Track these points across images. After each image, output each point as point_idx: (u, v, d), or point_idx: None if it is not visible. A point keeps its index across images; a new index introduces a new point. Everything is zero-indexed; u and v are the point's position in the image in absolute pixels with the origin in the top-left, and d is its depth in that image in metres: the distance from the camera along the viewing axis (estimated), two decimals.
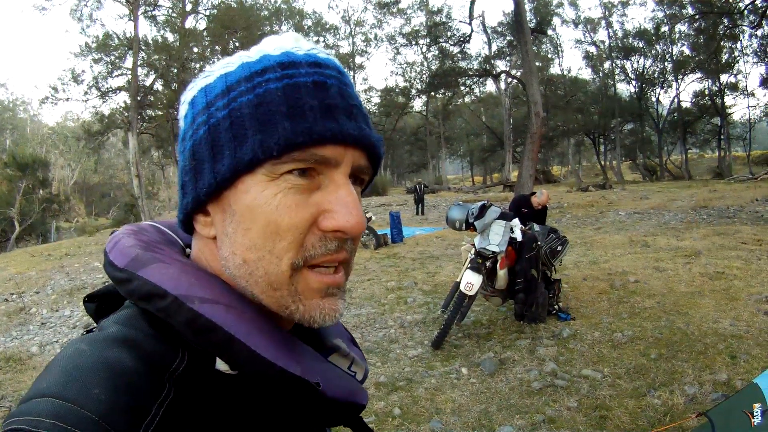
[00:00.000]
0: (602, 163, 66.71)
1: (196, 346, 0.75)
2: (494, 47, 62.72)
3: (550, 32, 60.13)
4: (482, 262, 7.82)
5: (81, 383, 0.65)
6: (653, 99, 63.04)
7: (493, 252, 7.91)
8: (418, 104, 76.56)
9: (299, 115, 0.76)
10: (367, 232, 18.19)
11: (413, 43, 62.77)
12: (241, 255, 0.78)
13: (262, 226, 0.76)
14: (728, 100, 57.07)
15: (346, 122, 0.79)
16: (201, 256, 0.87)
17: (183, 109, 0.87)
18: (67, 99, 42.47)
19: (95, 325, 0.85)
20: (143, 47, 39.60)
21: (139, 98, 37.90)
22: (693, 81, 61.56)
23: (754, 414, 3.35)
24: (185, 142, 0.83)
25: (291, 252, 0.77)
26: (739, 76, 56.61)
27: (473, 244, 8.19)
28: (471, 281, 7.52)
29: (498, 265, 7.99)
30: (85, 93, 41.24)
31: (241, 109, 0.77)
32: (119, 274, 0.79)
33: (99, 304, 0.90)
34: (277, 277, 0.77)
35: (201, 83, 0.84)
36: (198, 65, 40.63)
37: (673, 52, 59.10)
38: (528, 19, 39.85)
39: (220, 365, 0.78)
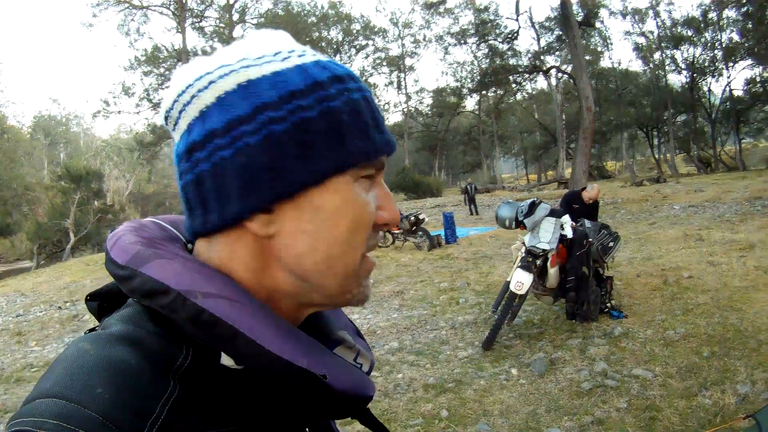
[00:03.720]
0: (656, 156, 65.82)
1: (200, 341, 0.75)
2: (543, 42, 62.31)
3: (598, 25, 59.37)
4: (533, 261, 7.71)
5: (85, 383, 0.66)
6: (705, 89, 61.97)
7: (544, 250, 7.83)
8: (470, 104, 76.61)
9: (378, 126, 0.83)
10: (420, 233, 18.23)
11: (462, 42, 62.71)
12: (325, 250, 0.80)
13: (350, 223, 0.80)
14: None
15: (389, 133, 0.87)
16: (221, 257, 0.83)
17: (202, 102, 0.79)
18: (119, 112, 43.54)
19: (98, 323, 0.86)
20: (192, 58, 40.22)
21: None
22: (744, 68, 60.54)
23: None
24: (238, 140, 0.76)
25: (363, 245, 0.83)
26: None
27: (523, 243, 8.13)
28: (521, 280, 7.45)
29: (549, 263, 7.90)
30: (137, 105, 42.10)
31: (336, 114, 0.78)
32: (121, 271, 0.78)
33: (101, 302, 0.90)
34: (354, 266, 0.83)
35: (239, 78, 0.78)
36: None
37: (722, 40, 57.98)
38: (575, 12, 39.46)
39: (225, 360, 0.77)
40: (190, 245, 0.91)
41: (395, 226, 0.88)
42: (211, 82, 0.78)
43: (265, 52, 0.81)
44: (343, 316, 1.05)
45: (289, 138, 0.76)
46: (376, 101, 0.88)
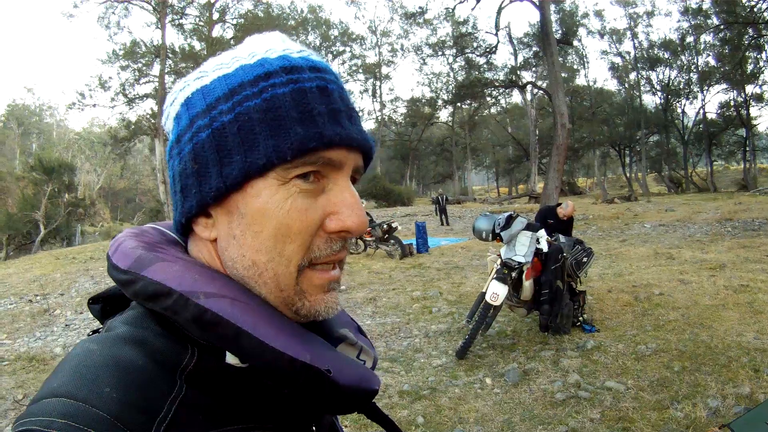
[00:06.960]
0: (627, 175, 66.25)
1: (204, 341, 0.76)
2: (520, 58, 62.67)
3: (575, 43, 59.87)
4: (508, 273, 7.74)
5: (92, 382, 0.67)
6: (679, 110, 62.62)
7: (519, 263, 7.87)
8: (444, 115, 76.83)
9: (309, 120, 0.77)
10: (392, 241, 18.23)
11: (439, 53, 62.82)
12: (251, 257, 0.79)
13: (274, 230, 0.78)
14: (753, 111, 56.70)
15: (349, 126, 0.82)
16: (200, 257, 0.87)
17: (174, 109, 0.86)
18: (94, 105, 42.76)
19: (101, 326, 0.89)
20: (170, 55, 39.65)
21: None
22: (718, 92, 61.37)
23: None
24: (182, 144, 0.83)
25: (299, 254, 0.79)
26: (765, 87, 55.99)
27: (499, 255, 8.15)
28: (497, 291, 7.49)
29: (524, 276, 7.95)
30: (112, 99, 41.46)
31: (249, 113, 0.77)
32: (123, 276, 0.79)
33: (104, 305, 0.91)
34: (285, 278, 0.80)
35: (196, 84, 0.84)
36: None
37: (699, 63, 58.68)
38: (554, 29, 39.69)
39: (230, 359, 0.78)
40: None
41: (357, 235, 0.85)
42: (185, 87, 0.86)
43: (239, 54, 0.85)
44: (344, 314, 1.04)
45: (210, 144, 0.79)
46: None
